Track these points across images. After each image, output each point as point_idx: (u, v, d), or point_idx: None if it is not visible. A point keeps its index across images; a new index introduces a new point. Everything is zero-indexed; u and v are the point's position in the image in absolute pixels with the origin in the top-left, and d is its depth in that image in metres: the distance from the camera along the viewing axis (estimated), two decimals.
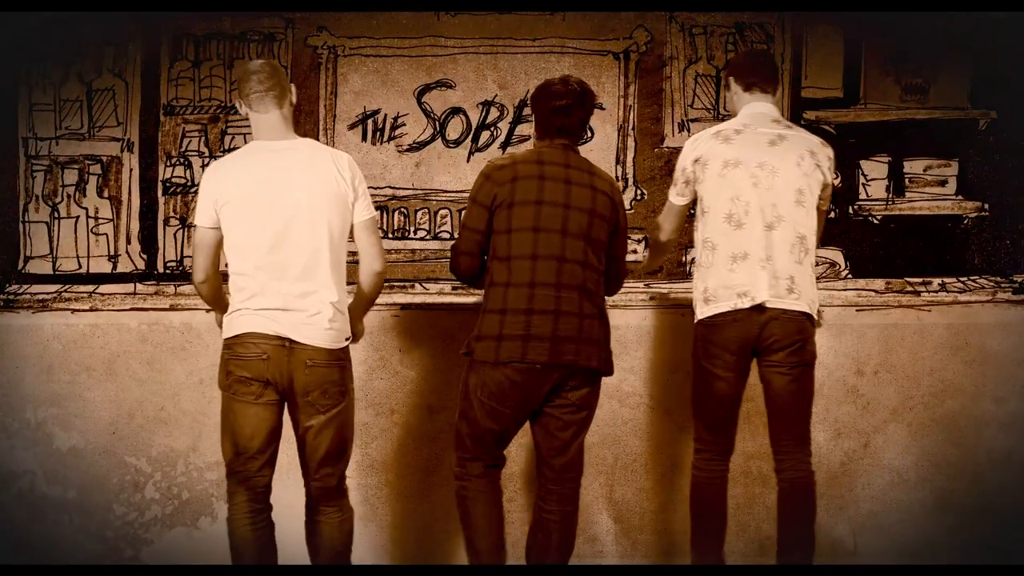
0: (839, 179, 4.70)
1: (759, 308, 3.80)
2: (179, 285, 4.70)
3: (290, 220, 3.60)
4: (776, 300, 3.80)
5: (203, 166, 4.75)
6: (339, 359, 3.67)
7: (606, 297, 3.95)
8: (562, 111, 3.79)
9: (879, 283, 4.73)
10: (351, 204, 3.69)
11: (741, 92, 4.01)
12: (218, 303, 3.83)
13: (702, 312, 3.90)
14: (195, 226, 3.70)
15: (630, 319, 4.51)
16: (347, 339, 3.71)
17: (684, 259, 4.74)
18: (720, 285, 3.86)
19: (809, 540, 3.86)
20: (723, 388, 3.87)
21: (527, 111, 4.71)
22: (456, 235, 4.28)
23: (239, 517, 3.68)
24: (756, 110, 3.97)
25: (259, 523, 3.69)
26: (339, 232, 3.67)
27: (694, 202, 4.02)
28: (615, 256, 3.88)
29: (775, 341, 3.81)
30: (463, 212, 4.02)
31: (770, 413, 3.91)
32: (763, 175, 3.85)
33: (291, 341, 3.58)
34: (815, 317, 3.90)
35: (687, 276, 4.64)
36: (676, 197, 4.05)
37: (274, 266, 3.60)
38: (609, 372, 3.82)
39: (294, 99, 3.75)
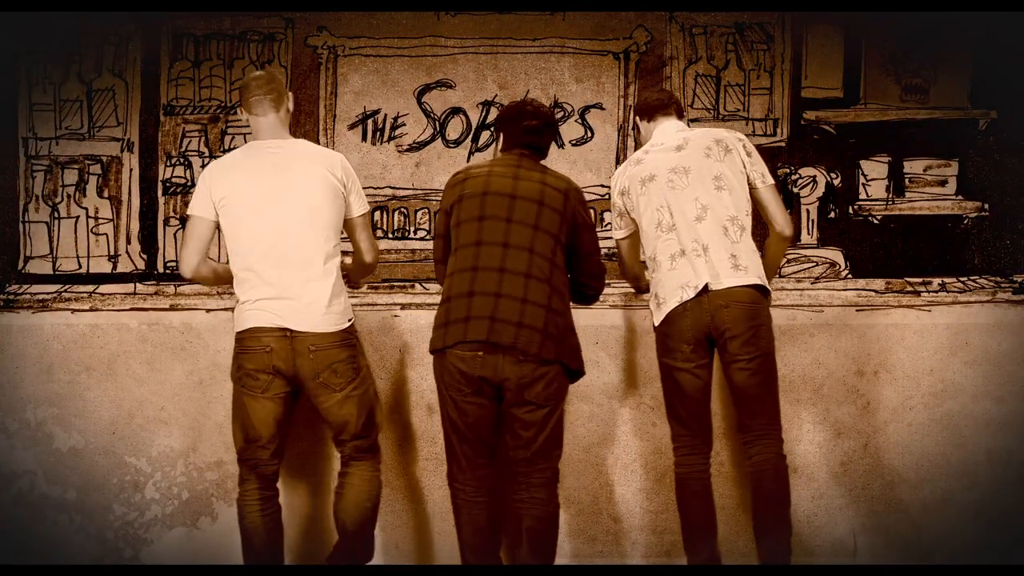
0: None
1: (705, 293, 3.88)
2: (179, 285, 4.70)
3: (287, 214, 3.77)
4: (720, 281, 3.87)
5: (203, 166, 4.75)
6: (343, 339, 3.82)
7: (600, 299, 4.09)
8: (534, 131, 3.92)
9: (879, 283, 4.73)
10: (344, 199, 3.86)
11: (647, 124, 4.19)
12: (221, 280, 4.00)
13: (657, 318, 4.00)
14: (189, 217, 3.85)
15: (630, 319, 4.51)
16: (349, 320, 3.86)
17: None
18: (667, 287, 3.95)
19: (782, 523, 3.90)
20: (687, 380, 3.95)
21: None
22: None
23: (250, 504, 3.88)
24: (662, 129, 4.13)
25: (267, 510, 3.89)
26: (333, 225, 3.83)
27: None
28: (584, 253, 3.92)
29: (727, 329, 3.87)
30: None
31: (736, 406, 3.99)
32: (677, 178, 3.98)
33: (291, 331, 3.75)
34: (768, 288, 3.97)
35: None
36: (616, 232, 4.23)
37: (273, 258, 3.76)
38: (554, 360, 3.74)
39: (291, 105, 3.94)
